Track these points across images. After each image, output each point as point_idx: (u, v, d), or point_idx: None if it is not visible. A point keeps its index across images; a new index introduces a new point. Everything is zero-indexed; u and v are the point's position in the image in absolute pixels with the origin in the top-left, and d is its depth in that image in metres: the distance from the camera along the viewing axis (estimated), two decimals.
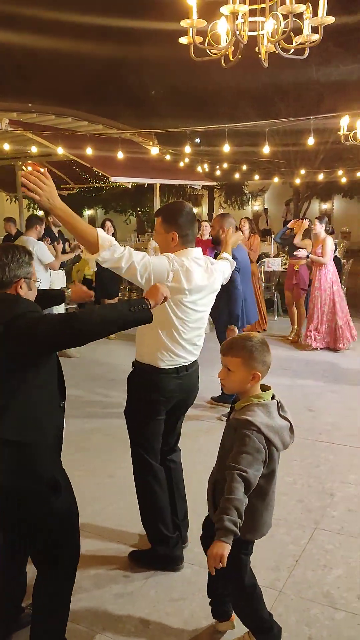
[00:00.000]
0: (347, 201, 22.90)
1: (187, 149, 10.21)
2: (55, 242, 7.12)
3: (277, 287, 9.62)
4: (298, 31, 2.97)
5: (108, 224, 8.21)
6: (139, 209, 22.43)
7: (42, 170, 2.30)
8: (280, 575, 2.95)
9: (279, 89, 14.07)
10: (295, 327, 8.06)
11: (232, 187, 21.45)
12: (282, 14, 2.80)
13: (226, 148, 9.65)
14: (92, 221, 25.20)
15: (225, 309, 4.88)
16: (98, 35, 14.79)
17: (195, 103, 15.63)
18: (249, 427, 2.09)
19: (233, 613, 2.49)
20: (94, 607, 2.73)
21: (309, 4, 2.93)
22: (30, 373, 2.11)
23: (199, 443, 4.46)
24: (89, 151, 9.52)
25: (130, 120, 12.84)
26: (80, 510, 2.39)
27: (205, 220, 9.47)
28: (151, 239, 11.97)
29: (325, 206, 24.74)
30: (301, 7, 2.77)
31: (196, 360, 3.01)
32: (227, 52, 3.02)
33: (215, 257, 3.40)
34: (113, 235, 8.13)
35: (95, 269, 8.64)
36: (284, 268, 9.25)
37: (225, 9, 2.82)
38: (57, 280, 7.26)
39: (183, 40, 3.04)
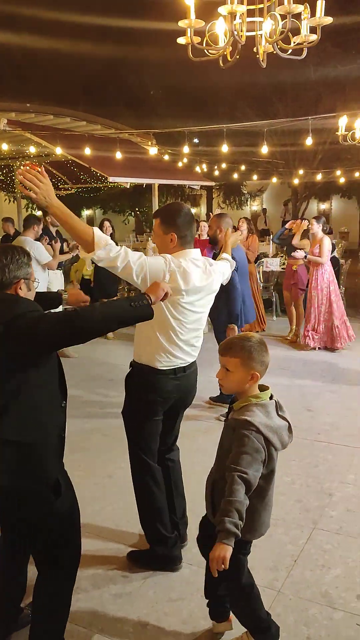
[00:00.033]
0: (346, 201, 22.91)
1: (186, 149, 10.21)
2: (53, 241, 7.11)
3: (275, 287, 9.63)
4: (296, 31, 2.98)
5: (106, 224, 8.20)
6: (137, 209, 22.40)
7: (39, 169, 2.31)
8: (278, 575, 2.95)
9: (277, 89, 14.10)
10: (294, 327, 8.07)
11: (230, 187, 21.45)
12: (280, 15, 2.81)
13: (224, 148, 9.65)
14: (90, 221, 25.18)
15: (224, 309, 4.88)
16: (97, 35, 14.79)
17: (194, 103, 15.65)
18: (247, 427, 2.09)
19: (231, 613, 2.49)
20: (93, 607, 2.73)
21: (307, 5, 2.94)
22: (31, 373, 2.11)
23: (198, 443, 4.46)
24: (87, 151, 9.52)
25: (128, 120, 12.85)
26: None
27: (204, 221, 9.46)
28: (149, 239, 11.96)
29: (324, 206, 24.76)
30: (299, 8, 2.78)
31: (194, 361, 3.01)
32: (225, 53, 3.03)
33: (214, 257, 3.41)
34: (111, 235, 8.13)
35: (91, 268, 8.65)
36: (282, 268, 9.25)
37: (223, 9, 2.82)
38: (55, 280, 7.25)
39: (181, 40, 3.05)
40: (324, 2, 2.93)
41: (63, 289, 7.69)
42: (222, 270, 3.12)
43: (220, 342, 2.41)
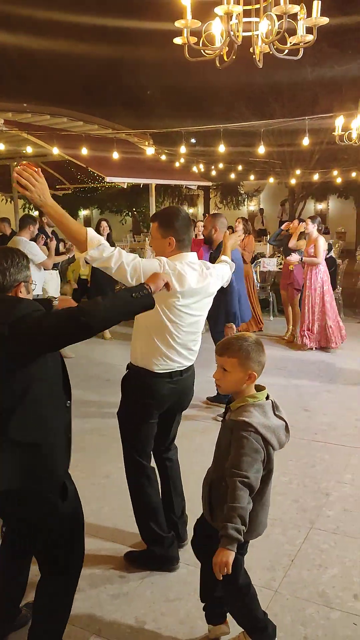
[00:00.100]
0: (342, 201, 22.93)
1: (183, 149, 10.21)
2: (49, 240, 7.11)
3: (272, 287, 9.64)
4: (292, 32, 2.98)
5: (104, 224, 8.19)
6: (134, 209, 22.40)
7: (35, 169, 2.33)
8: (275, 575, 2.95)
9: (274, 89, 14.11)
10: (291, 327, 8.07)
11: (227, 187, 21.45)
12: (276, 15, 2.80)
13: (221, 148, 9.66)
14: (87, 221, 25.17)
15: (221, 309, 4.88)
16: (94, 35, 14.79)
17: (191, 103, 15.66)
18: (246, 428, 2.09)
19: (228, 616, 2.49)
20: (90, 607, 2.73)
21: (303, 5, 2.94)
22: (36, 373, 2.11)
23: (196, 443, 4.47)
24: (84, 151, 9.51)
25: (125, 120, 12.84)
26: None
27: (201, 221, 9.47)
28: (147, 239, 11.97)
29: (321, 206, 24.78)
30: (295, 8, 2.77)
31: (192, 365, 3.00)
32: (222, 53, 3.03)
33: (211, 258, 3.41)
34: (109, 235, 8.12)
35: (85, 268, 8.65)
36: (279, 268, 9.26)
37: (219, 10, 2.82)
38: (51, 280, 7.24)
39: (177, 40, 3.04)
40: (320, 2, 2.93)
41: (59, 291, 7.69)
42: (220, 273, 3.12)
43: (217, 342, 2.41)
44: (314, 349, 7.42)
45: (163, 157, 12.63)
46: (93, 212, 25.78)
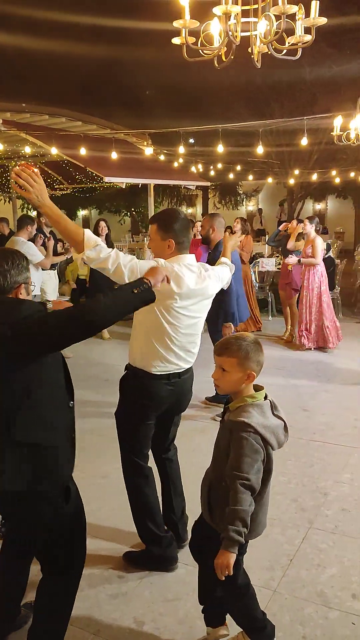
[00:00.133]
0: (341, 201, 22.97)
1: (181, 149, 10.21)
2: (46, 239, 7.11)
3: (271, 287, 9.64)
4: (291, 32, 2.98)
5: (102, 224, 8.19)
6: (133, 209, 22.41)
7: (34, 169, 2.33)
8: (274, 574, 2.95)
9: (273, 89, 14.11)
10: (289, 326, 8.08)
11: (226, 187, 21.48)
12: (274, 15, 2.81)
13: (220, 148, 9.67)
14: (86, 221, 25.16)
15: (220, 309, 4.89)
16: (92, 35, 14.78)
17: (190, 103, 15.65)
18: (245, 429, 2.10)
19: (227, 618, 2.48)
20: (88, 608, 2.72)
21: (301, 5, 2.94)
22: (39, 373, 2.11)
23: (194, 443, 4.47)
24: (82, 151, 9.51)
25: (124, 120, 12.85)
26: None
27: (199, 221, 9.48)
28: (145, 239, 11.96)
29: (319, 206, 24.81)
30: (293, 8, 2.78)
31: (190, 367, 3.00)
32: (220, 53, 3.03)
33: (209, 259, 3.41)
34: (107, 235, 8.12)
35: (83, 268, 8.65)
36: (277, 268, 9.26)
37: (217, 10, 2.82)
38: (49, 280, 7.24)
39: (176, 40, 3.05)
40: (318, 2, 2.93)
41: (57, 292, 7.69)
42: (220, 275, 3.12)
43: (215, 343, 2.41)
44: (312, 349, 7.42)
45: (161, 157, 12.63)
46: (92, 212, 25.79)
